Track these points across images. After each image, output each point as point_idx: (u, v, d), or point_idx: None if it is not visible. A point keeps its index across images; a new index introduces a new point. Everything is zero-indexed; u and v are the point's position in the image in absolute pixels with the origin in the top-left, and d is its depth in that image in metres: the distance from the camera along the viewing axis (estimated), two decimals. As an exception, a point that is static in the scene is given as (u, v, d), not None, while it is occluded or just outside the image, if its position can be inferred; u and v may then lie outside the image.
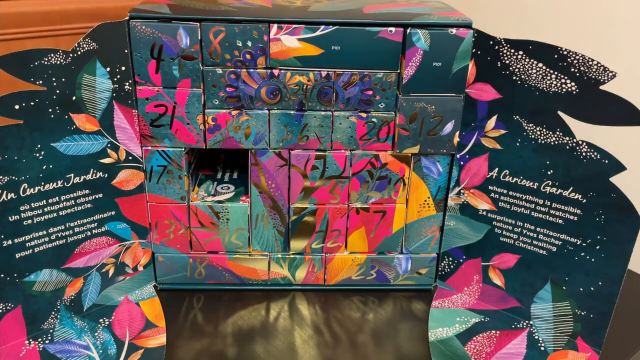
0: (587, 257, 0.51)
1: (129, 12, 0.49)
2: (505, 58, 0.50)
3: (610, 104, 0.47)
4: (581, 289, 0.52)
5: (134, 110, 0.52)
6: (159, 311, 0.55)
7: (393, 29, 0.50)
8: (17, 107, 0.46)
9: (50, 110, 0.48)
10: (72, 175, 0.51)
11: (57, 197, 0.50)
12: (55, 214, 0.50)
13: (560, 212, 0.51)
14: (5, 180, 0.47)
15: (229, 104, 0.52)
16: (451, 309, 0.57)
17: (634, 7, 0.70)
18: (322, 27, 0.49)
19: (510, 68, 0.50)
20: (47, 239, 0.51)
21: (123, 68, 0.50)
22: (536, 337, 0.54)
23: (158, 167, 0.54)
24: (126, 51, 0.49)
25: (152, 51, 0.49)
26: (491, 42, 0.50)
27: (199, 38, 0.49)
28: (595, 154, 0.48)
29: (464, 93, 0.52)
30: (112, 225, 0.54)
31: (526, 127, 0.51)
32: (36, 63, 0.46)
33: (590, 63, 0.47)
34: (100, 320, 0.53)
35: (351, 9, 0.52)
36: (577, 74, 0.47)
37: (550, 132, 0.50)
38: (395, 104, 0.53)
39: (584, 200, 0.50)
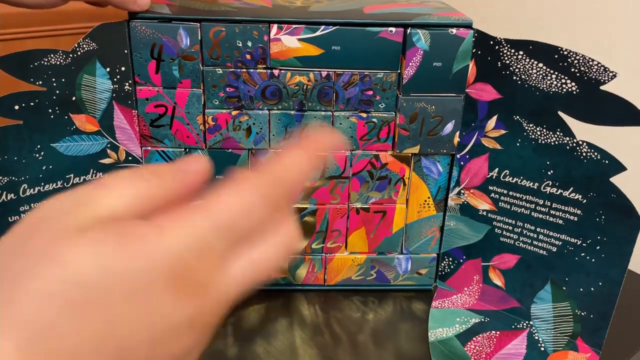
0: (587, 258, 0.51)
1: (129, 13, 0.48)
2: (506, 58, 0.50)
3: (610, 104, 0.47)
4: (581, 290, 0.52)
5: (133, 111, 0.52)
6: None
7: (393, 29, 0.50)
8: (16, 107, 0.46)
9: (50, 110, 0.48)
10: (72, 175, 0.50)
11: (57, 198, 0.50)
12: (55, 215, 0.50)
13: (561, 213, 0.51)
14: (5, 181, 0.47)
15: (229, 104, 0.52)
16: (451, 309, 0.57)
17: (635, 7, 0.70)
18: (323, 27, 0.49)
19: (511, 68, 0.50)
20: (46, 239, 0.50)
21: (123, 68, 0.50)
22: (536, 338, 0.54)
23: (158, 167, 0.54)
24: (126, 51, 0.49)
25: (152, 51, 0.49)
26: (491, 42, 0.50)
27: (199, 38, 0.49)
28: (596, 154, 0.48)
29: (464, 93, 0.52)
30: (112, 225, 0.54)
31: (526, 127, 0.51)
32: (36, 63, 0.46)
33: (591, 63, 0.46)
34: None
35: (351, 9, 0.52)
36: (578, 74, 0.47)
37: (551, 133, 0.50)
38: (396, 104, 0.53)
39: (584, 201, 0.50)
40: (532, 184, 0.52)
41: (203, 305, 0.25)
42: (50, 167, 0.49)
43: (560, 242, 0.52)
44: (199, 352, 0.28)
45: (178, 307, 0.23)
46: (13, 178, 0.47)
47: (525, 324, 0.55)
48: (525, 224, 0.53)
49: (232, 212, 0.24)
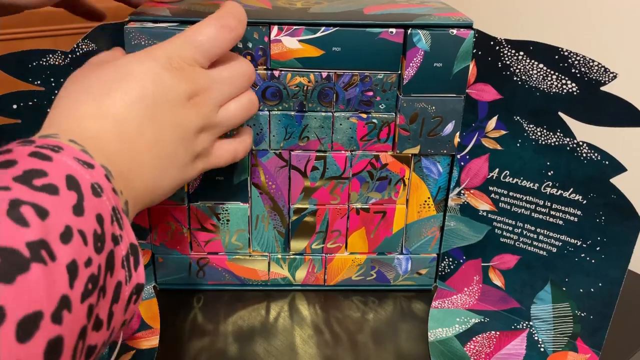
0: (587, 258, 0.51)
1: (129, 15, 0.48)
2: (506, 58, 0.50)
3: (611, 105, 0.47)
4: (581, 290, 0.52)
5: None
6: (155, 312, 0.55)
7: (394, 30, 0.50)
8: (14, 106, 0.46)
9: (48, 110, 0.47)
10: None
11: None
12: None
13: (561, 213, 0.51)
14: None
15: (229, 104, 0.52)
16: (451, 310, 0.57)
17: (635, 7, 0.70)
18: (323, 28, 0.49)
19: (511, 69, 0.50)
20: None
21: (123, 69, 0.50)
22: (536, 338, 0.54)
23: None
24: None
25: None
26: (492, 43, 0.50)
27: None
28: (596, 155, 0.48)
29: (465, 93, 0.52)
30: (112, 226, 0.54)
31: (527, 128, 0.51)
32: (34, 63, 0.46)
33: (591, 64, 0.46)
34: (100, 321, 0.53)
35: (352, 10, 0.52)
36: (578, 75, 0.47)
37: (551, 133, 0.50)
38: (396, 104, 0.53)
39: (584, 202, 0.50)
40: (532, 184, 0.52)
41: (194, 82, 0.40)
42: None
43: (561, 243, 0.52)
44: (209, 152, 0.44)
45: (175, 81, 0.39)
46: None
47: (525, 325, 0.55)
48: (526, 225, 0.54)
49: (198, 34, 0.41)
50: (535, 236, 0.53)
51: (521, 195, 0.53)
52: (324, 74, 0.51)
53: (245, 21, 0.43)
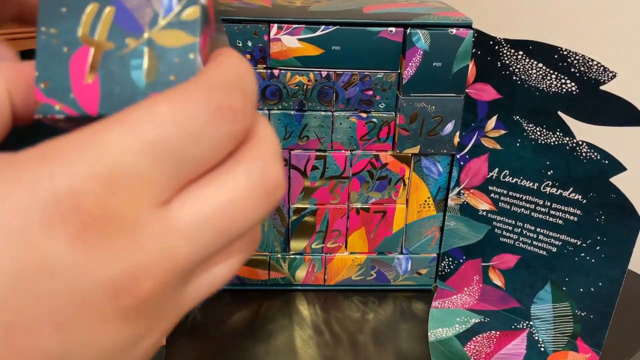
0: (587, 258, 0.51)
1: None
2: (506, 58, 0.50)
3: (610, 105, 0.47)
4: (581, 290, 0.52)
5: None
6: (158, 311, 0.55)
7: (393, 29, 0.50)
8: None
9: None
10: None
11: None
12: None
13: (560, 213, 0.51)
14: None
15: (229, 104, 0.52)
16: (451, 309, 0.57)
17: (635, 6, 0.70)
18: (323, 27, 0.49)
19: (511, 68, 0.50)
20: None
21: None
22: (536, 338, 0.54)
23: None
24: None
25: None
26: (491, 42, 0.50)
27: None
28: (596, 154, 0.48)
29: (464, 93, 0.52)
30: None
31: (526, 128, 0.51)
32: None
33: (591, 63, 0.46)
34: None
35: (351, 9, 0.52)
36: (577, 74, 0.47)
37: (550, 133, 0.50)
38: (396, 104, 0.53)
39: (584, 201, 0.50)
40: (532, 184, 0.52)
41: (132, 262, 0.16)
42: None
43: (560, 243, 0.52)
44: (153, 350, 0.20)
45: (85, 258, 0.15)
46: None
47: (525, 324, 0.55)
48: (525, 224, 0.53)
49: (168, 127, 0.16)
50: (535, 236, 0.53)
51: (521, 195, 0.53)
52: (324, 73, 0.51)
53: (255, 94, 0.20)
